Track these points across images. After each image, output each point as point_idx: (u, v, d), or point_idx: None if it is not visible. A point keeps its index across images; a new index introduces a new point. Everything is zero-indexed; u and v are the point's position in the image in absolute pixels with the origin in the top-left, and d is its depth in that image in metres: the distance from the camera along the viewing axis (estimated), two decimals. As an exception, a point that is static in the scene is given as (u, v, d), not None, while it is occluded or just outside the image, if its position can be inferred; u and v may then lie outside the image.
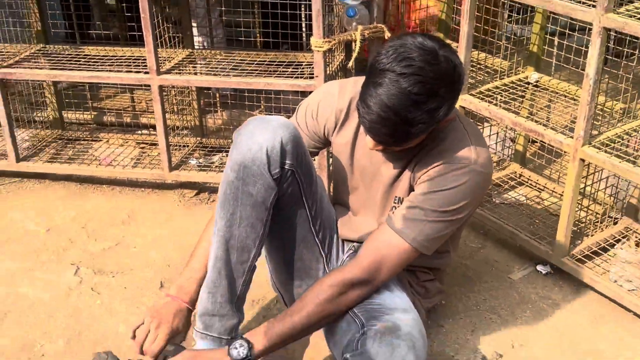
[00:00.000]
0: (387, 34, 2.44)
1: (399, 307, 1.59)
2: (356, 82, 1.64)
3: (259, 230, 1.61)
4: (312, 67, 2.31)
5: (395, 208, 1.67)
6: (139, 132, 3.02)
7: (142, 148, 2.88)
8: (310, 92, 2.23)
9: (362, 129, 1.68)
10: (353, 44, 2.39)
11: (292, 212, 1.68)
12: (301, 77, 2.38)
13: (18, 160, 2.69)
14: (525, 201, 2.49)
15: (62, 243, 2.38)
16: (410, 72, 1.39)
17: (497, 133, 2.65)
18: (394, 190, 1.69)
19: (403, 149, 1.55)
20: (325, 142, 1.79)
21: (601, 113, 2.10)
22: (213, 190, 2.65)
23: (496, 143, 2.67)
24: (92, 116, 3.11)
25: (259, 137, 1.53)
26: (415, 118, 1.41)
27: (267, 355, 1.59)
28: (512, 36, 2.41)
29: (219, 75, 2.46)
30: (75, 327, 2.00)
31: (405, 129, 1.43)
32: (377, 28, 2.43)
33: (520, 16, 2.41)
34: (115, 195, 2.70)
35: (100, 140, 2.94)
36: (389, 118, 1.41)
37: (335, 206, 1.87)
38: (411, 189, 1.65)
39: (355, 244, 1.81)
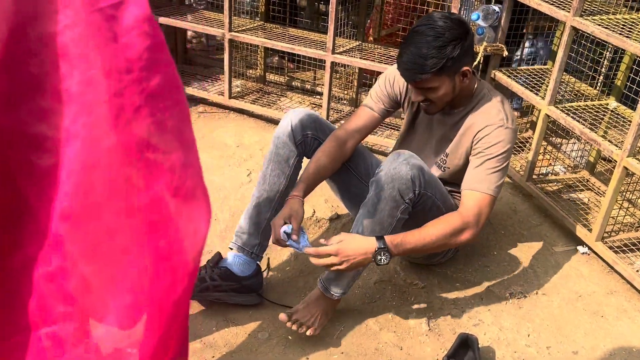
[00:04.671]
0: (505, 52, 2.72)
1: None
2: None
3: (282, 180, 1.96)
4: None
5: (443, 160, 1.94)
6: (315, 96, 3.51)
7: (313, 107, 3.37)
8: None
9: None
10: (476, 55, 2.71)
11: (338, 172, 2.00)
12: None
13: (230, 97, 3.26)
14: (585, 199, 2.66)
15: (244, 155, 2.91)
16: (425, 24, 1.70)
17: (575, 144, 2.82)
18: (443, 148, 1.95)
19: (434, 93, 1.74)
20: (397, 105, 2.02)
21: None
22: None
23: (575, 152, 2.84)
24: (285, 80, 3.66)
25: (287, 119, 1.97)
26: (428, 53, 1.68)
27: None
28: (602, 69, 2.59)
29: (368, 60, 2.84)
30: (239, 207, 2.47)
31: (422, 62, 1.68)
32: (498, 47, 2.71)
33: (618, 55, 2.58)
34: (287, 134, 3.22)
35: (287, 97, 3.46)
36: (409, 57, 1.70)
37: None
38: (457, 148, 1.89)
39: None
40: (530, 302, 2.11)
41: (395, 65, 1.94)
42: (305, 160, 2.06)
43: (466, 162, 1.88)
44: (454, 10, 2.49)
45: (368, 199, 1.80)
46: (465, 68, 1.75)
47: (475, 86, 1.87)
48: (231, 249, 2.00)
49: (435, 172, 1.99)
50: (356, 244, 1.71)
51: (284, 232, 1.74)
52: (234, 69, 3.45)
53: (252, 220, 1.96)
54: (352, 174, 2.08)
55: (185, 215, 0.61)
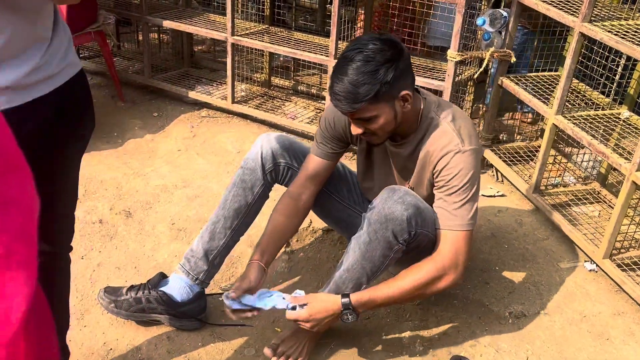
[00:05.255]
0: (513, 59, 2.61)
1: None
2: None
3: (242, 207, 1.87)
4: (446, 73, 2.56)
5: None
6: (321, 101, 3.42)
7: (318, 112, 3.29)
8: (439, 91, 2.48)
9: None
10: (483, 61, 2.60)
11: (318, 198, 1.90)
12: (435, 79, 2.61)
13: (233, 102, 3.18)
14: (594, 213, 2.53)
15: (244, 162, 2.87)
16: (353, 49, 1.54)
17: (584, 154, 2.69)
18: (406, 180, 1.81)
19: (374, 124, 1.58)
20: (346, 144, 1.86)
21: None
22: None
23: (586, 162, 2.72)
24: (291, 84, 3.59)
25: (258, 145, 1.89)
26: (358, 80, 1.50)
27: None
28: (615, 77, 2.46)
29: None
30: (236, 215, 2.47)
31: (354, 91, 1.51)
32: (505, 52, 2.60)
33: (630, 63, 2.45)
34: (290, 140, 3.14)
35: (291, 102, 3.38)
36: (340, 86, 1.52)
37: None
38: (420, 180, 1.75)
39: None
40: (531, 322, 2.00)
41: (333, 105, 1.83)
42: (275, 189, 1.98)
43: (433, 193, 1.73)
44: (459, 15, 2.38)
45: (360, 235, 1.68)
46: (404, 92, 1.57)
47: (422, 107, 1.68)
48: (177, 271, 1.91)
49: None
50: (322, 306, 1.64)
51: (225, 297, 1.67)
52: (240, 72, 3.39)
53: (204, 245, 1.87)
54: (333, 198, 1.99)
55: None
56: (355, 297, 1.63)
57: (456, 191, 1.63)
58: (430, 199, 1.75)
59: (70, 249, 1.51)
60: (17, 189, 0.53)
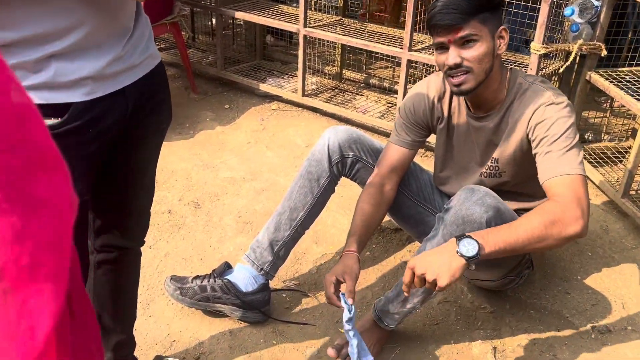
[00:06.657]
0: (604, 52, 2.41)
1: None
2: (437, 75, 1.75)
3: (308, 199, 1.85)
4: (528, 67, 2.40)
5: (494, 167, 1.72)
6: (393, 95, 3.31)
7: (389, 107, 3.19)
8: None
9: (455, 110, 1.75)
10: (570, 55, 2.42)
11: None
12: (516, 73, 2.46)
13: (303, 95, 3.14)
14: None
15: (312, 156, 2.82)
16: None
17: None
18: (488, 156, 1.72)
19: (473, 51, 1.51)
20: (427, 131, 1.82)
21: None
22: (429, 148, 2.88)
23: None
24: (363, 77, 3.50)
25: (325, 137, 1.87)
26: None
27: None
28: None
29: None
30: (302, 210, 2.42)
31: (463, 3, 1.47)
32: (596, 45, 2.41)
33: None
34: (360, 135, 3.06)
35: (362, 95, 3.30)
36: (446, 1, 1.49)
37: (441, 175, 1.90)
38: (507, 148, 1.66)
39: None
40: (617, 339, 1.83)
41: (412, 92, 1.81)
42: (342, 182, 1.94)
43: (523, 158, 1.64)
44: (544, 5, 2.22)
45: (433, 237, 1.59)
46: (503, 27, 1.56)
47: (508, 76, 1.64)
48: (242, 261, 1.90)
49: (492, 183, 1.74)
50: (429, 251, 1.45)
51: (342, 294, 1.55)
52: (311, 65, 3.35)
53: (269, 236, 1.86)
54: (402, 193, 1.90)
55: (15, 306, 0.45)
56: (473, 233, 1.41)
57: (558, 138, 1.50)
58: (521, 167, 1.67)
59: (143, 243, 1.50)
60: (49, 189, 0.47)
